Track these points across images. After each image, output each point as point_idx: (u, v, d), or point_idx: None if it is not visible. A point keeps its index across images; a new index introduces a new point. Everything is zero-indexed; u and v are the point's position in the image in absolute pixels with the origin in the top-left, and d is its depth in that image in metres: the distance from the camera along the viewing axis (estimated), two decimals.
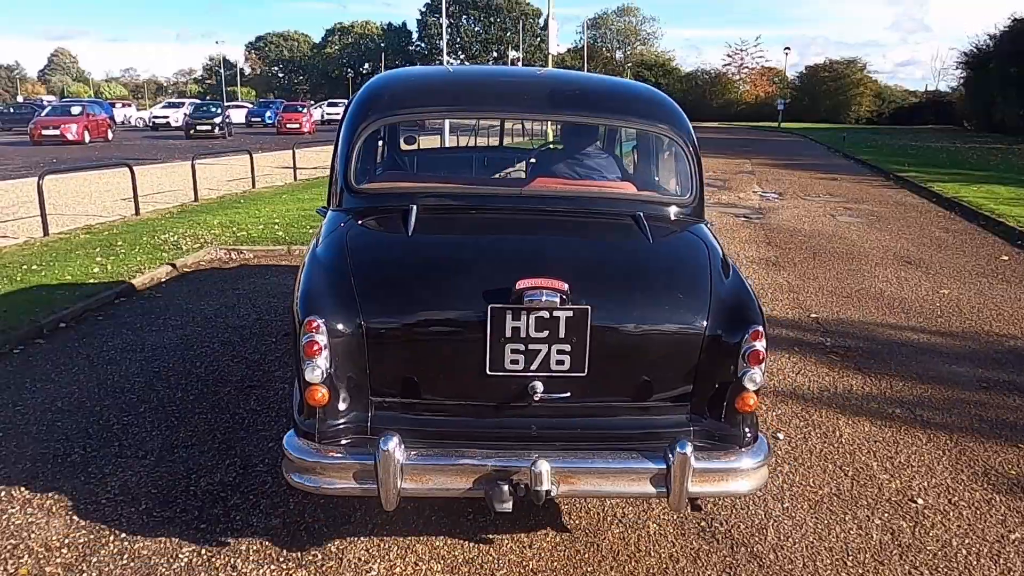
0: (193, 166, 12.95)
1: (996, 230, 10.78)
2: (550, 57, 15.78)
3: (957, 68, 57.47)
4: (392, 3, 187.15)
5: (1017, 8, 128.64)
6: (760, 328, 2.58)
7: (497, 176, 4.82)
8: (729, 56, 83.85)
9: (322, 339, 2.40)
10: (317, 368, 2.40)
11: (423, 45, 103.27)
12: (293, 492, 3.10)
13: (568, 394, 2.54)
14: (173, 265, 7.50)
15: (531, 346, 2.46)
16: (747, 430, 2.65)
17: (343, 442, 2.51)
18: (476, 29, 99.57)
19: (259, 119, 48.72)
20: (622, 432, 2.63)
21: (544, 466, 2.40)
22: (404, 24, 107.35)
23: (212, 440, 3.83)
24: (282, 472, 2.66)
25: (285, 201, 12.13)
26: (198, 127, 33.37)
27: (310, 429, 2.50)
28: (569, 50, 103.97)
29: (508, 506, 2.44)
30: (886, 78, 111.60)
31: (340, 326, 2.44)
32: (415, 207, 2.89)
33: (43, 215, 9.07)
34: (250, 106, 55.06)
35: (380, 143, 4.10)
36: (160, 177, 16.50)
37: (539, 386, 2.50)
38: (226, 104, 61.07)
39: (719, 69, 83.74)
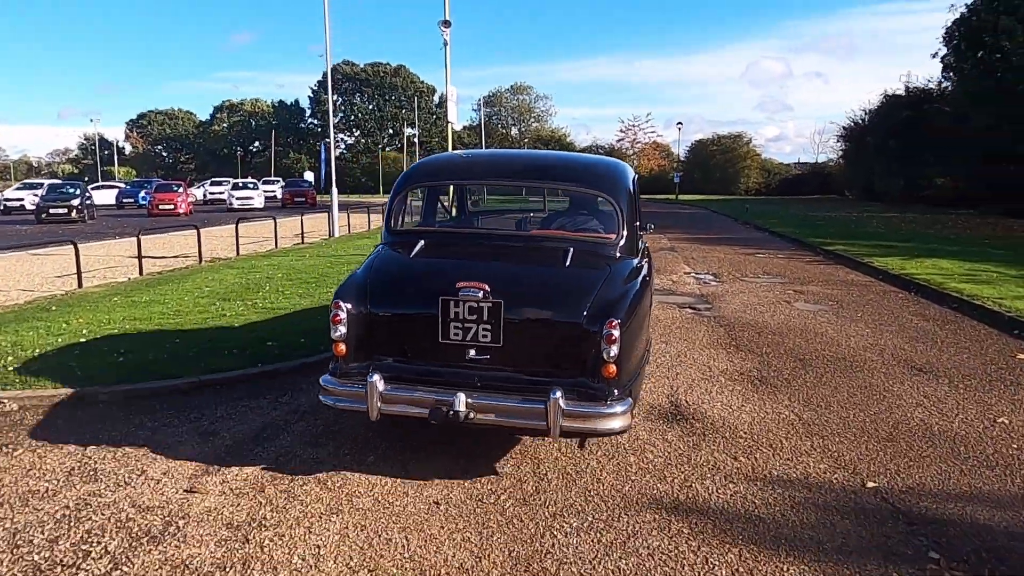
0: None
1: (980, 316, 9.25)
2: (450, 127, 13.78)
3: (837, 141, 60.22)
4: (285, 84, 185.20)
5: (866, 89, 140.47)
6: (616, 320, 3.94)
7: (478, 225, 6.65)
8: (622, 131, 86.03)
9: (343, 315, 4.23)
10: (339, 331, 4.24)
11: (315, 122, 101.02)
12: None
13: (488, 356, 4.13)
14: None
15: (466, 324, 4.09)
16: (614, 389, 3.97)
17: (352, 379, 4.23)
18: (370, 107, 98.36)
19: (132, 200, 44.70)
20: (521, 383, 4.08)
21: (462, 399, 3.94)
22: (296, 102, 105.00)
23: None
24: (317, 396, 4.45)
25: (113, 307, 9.29)
26: (51, 210, 29.42)
27: (334, 371, 4.33)
28: (466, 127, 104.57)
29: (440, 421, 3.95)
30: (760, 152, 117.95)
31: (354, 309, 4.27)
32: (422, 241, 4.82)
33: None
34: (123, 186, 50.70)
35: (414, 202, 5.73)
36: None
37: (471, 351, 4.13)
38: (98, 184, 56.57)
39: (613, 144, 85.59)
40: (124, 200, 45.35)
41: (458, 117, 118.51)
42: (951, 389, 6.17)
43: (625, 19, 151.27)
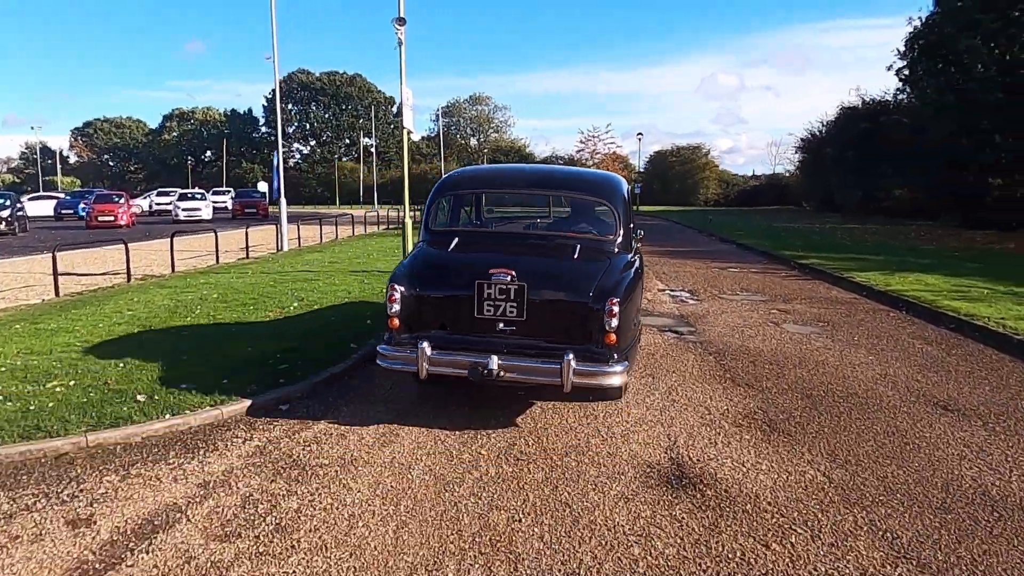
0: None
1: (984, 339, 8.48)
2: (406, 134, 12.69)
3: (795, 153, 60.59)
4: (242, 93, 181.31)
5: (816, 103, 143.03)
6: (615, 299, 4.99)
7: (510, 225, 7.93)
8: (582, 142, 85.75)
9: (396, 296, 5.25)
10: (394, 308, 5.27)
11: (269, 131, 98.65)
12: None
13: (514, 328, 5.14)
14: None
15: (496, 302, 5.11)
16: (614, 354, 5.00)
17: (404, 347, 5.24)
18: (326, 116, 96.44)
19: (71, 211, 42.40)
20: (541, 348, 5.08)
21: (495, 360, 4.92)
22: (250, 110, 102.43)
23: None
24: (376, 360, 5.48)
25: (11, 336, 7.95)
26: None
27: (389, 340, 5.34)
28: (424, 138, 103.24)
29: (477, 378, 4.96)
30: (718, 164, 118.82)
31: (406, 292, 5.28)
32: (456, 238, 5.89)
33: None
34: (62, 196, 48.25)
35: (449, 207, 6.84)
36: None
37: (500, 324, 5.14)
38: (35, 195, 53.83)
39: (572, 154, 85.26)
40: (63, 212, 42.97)
41: (415, 124, 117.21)
42: (989, 434, 5.29)
43: (584, 32, 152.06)
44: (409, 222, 13.82)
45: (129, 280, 13.13)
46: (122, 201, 35.21)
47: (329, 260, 16.49)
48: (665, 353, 7.82)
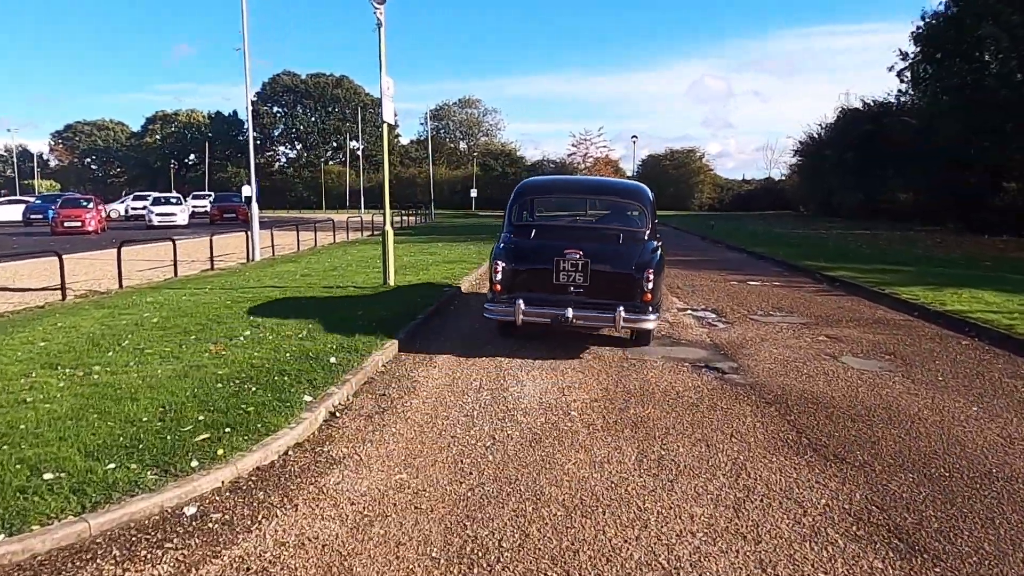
0: None
1: None
2: (385, 128, 10.95)
3: (793, 156, 59.18)
4: (231, 97, 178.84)
5: (803, 107, 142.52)
6: (651, 270, 7.52)
7: (568, 220, 9.81)
8: (574, 146, 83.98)
9: (499, 269, 7.71)
10: (498, 277, 7.69)
11: (255, 134, 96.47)
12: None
13: (581, 290, 7.55)
14: None
15: (568, 273, 7.55)
16: (649, 308, 7.53)
17: (504, 303, 7.64)
18: (313, 119, 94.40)
19: (41, 216, 40.25)
20: (600, 304, 7.46)
21: (570, 312, 7.35)
22: (235, 113, 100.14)
23: None
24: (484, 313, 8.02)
25: None
26: None
27: (493, 299, 7.81)
28: (413, 142, 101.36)
29: (556, 323, 7.46)
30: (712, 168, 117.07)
31: (505, 266, 7.69)
32: (534, 228, 8.31)
33: None
34: (31, 200, 46.09)
35: (522, 208, 8.96)
36: None
37: (571, 288, 7.54)
38: (7, 198, 51.68)
39: (564, 158, 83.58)
40: (32, 216, 40.85)
41: (408, 129, 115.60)
42: None
43: (574, 37, 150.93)
44: (390, 231, 12.08)
45: (64, 298, 11.29)
46: (91, 206, 33.22)
47: (302, 273, 14.68)
48: (712, 403, 6.10)
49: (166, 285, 13.09)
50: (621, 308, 7.36)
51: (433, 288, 12.12)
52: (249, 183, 19.45)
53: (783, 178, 74.34)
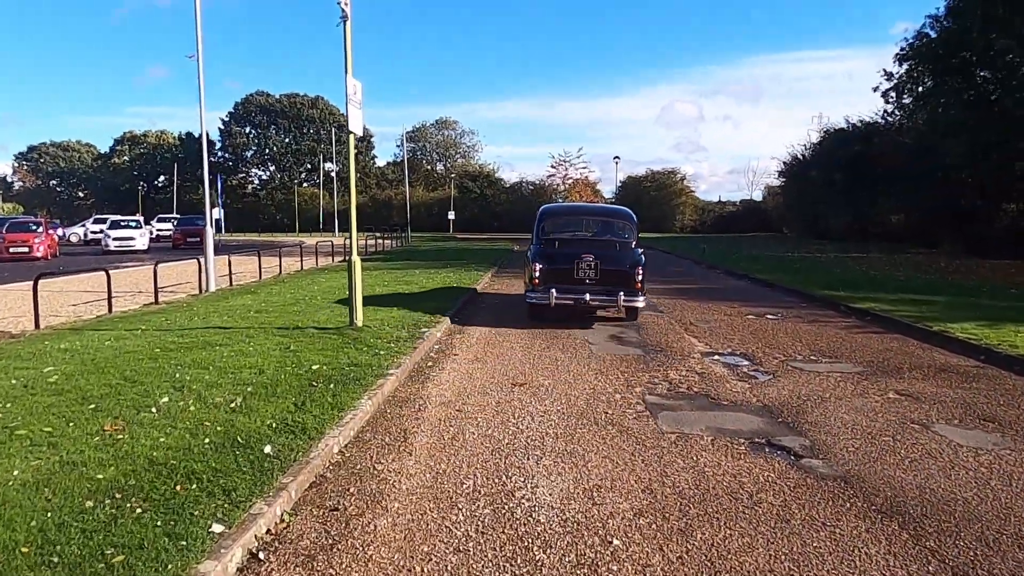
0: None
1: None
2: (351, 139, 9.09)
3: (779, 177, 58.17)
4: (209, 120, 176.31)
5: (772, 131, 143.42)
6: (640, 267, 11.20)
7: (573, 233, 12.66)
8: (553, 167, 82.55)
9: (536, 268, 11.26)
10: (537, 274, 11.22)
11: (227, 155, 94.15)
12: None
13: (594, 282, 11.14)
14: None
15: (584, 271, 11.13)
16: (639, 292, 11.12)
17: (540, 292, 11.14)
18: (286, 140, 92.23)
19: None
20: (607, 291, 11.05)
21: (587, 296, 11.00)
22: (206, 133, 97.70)
23: None
24: (524, 299, 11.87)
25: None
26: None
27: (532, 288, 11.35)
28: (389, 163, 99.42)
29: (578, 304, 11.11)
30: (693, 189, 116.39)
31: (541, 267, 11.26)
32: (557, 240, 11.92)
33: None
34: None
35: (544, 224, 12.31)
36: None
37: (586, 280, 11.13)
38: None
39: (544, 179, 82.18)
40: None
41: (378, 153, 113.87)
42: None
43: (544, 62, 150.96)
44: (358, 260, 10.20)
45: None
46: (39, 230, 30.90)
47: (257, 308, 12.72)
48: (807, 515, 4.28)
49: (94, 325, 11.06)
50: (621, 293, 10.91)
51: (410, 328, 10.26)
52: (206, 205, 17.45)
53: (762, 199, 73.56)
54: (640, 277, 11.04)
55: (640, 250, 11.84)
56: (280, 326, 10.40)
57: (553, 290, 10.86)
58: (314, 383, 6.83)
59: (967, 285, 17.51)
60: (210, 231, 17.25)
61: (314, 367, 7.51)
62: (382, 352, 8.39)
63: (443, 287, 16.53)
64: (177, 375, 7.18)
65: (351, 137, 9.70)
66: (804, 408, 6.68)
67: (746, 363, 8.77)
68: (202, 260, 16.76)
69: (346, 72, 9.42)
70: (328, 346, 8.76)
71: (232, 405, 6.03)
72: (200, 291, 16.09)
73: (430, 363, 8.61)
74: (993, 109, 24.47)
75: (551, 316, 11.57)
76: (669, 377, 7.94)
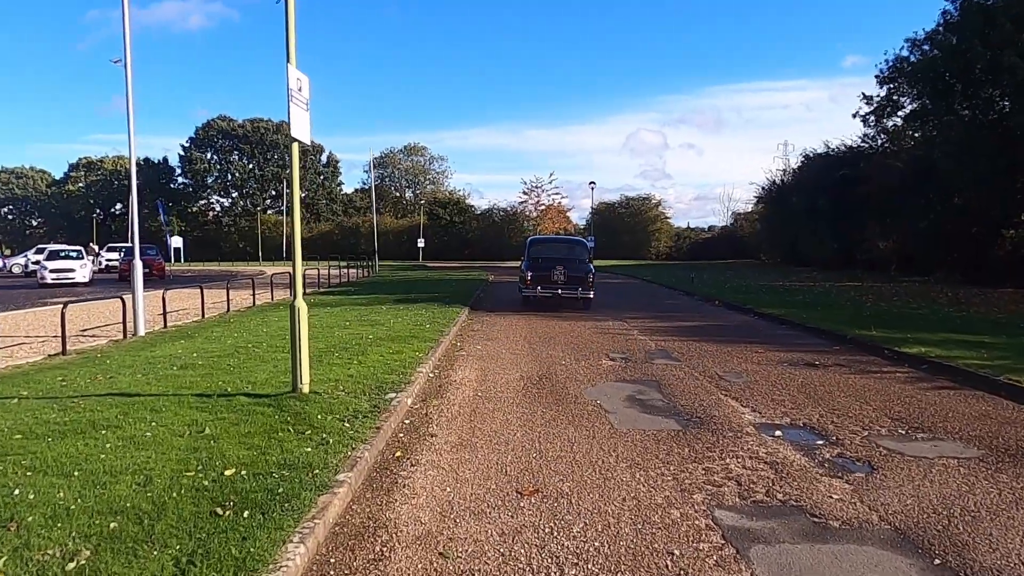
0: None
1: None
2: (295, 148, 6.76)
3: (758, 203, 56.95)
4: (170, 148, 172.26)
5: (736, 159, 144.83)
6: (591, 274, 19.59)
7: (554, 255, 20.83)
8: (525, 193, 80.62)
9: (528, 275, 19.66)
10: (528, 277, 19.62)
11: (187, 181, 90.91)
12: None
13: (563, 282, 19.35)
14: None
15: (557, 276, 19.39)
16: (590, 288, 19.42)
17: (529, 288, 19.65)
18: (250, 166, 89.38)
19: None
20: (572, 287, 19.31)
21: (560, 291, 19.33)
22: (165, 159, 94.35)
23: None
24: (518, 293, 21.02)
25: None
26: None
27: (524, 284, 20.01)
28: (357, 191, 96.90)
29: (554, 296, 19.44)
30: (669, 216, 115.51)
31: (531, 274, 19.64)
32: (540, 258, 20.38)
33: None
34: None
35: (531, 249, 21.22)
36: None
37: (558, 282, 19.34)
38: None
39: (515, 206, 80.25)
40: None
41: (344, 179, 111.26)
42: None
43: (509, 90, 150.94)
44: (303, 306, 7.85)
45: None
46: None
47: (185, 360, 10.28)
48: None
49: None
50: (579, 288, 18.89)
51: (371, 393, 7.92)
52: (133, 232, 14.98)
53: (738, 226, 72.40)
54: (591, 279, 19.09)
55: (592, 265, 20.21)
56: (202, 392, 7.98)
57: (538, 287, 19.10)
58: (221, 507, 4.48)
59: (1001, 320, 15.68)
60: (138, 264, 14.80)
61: (227, 472, 5.14)
62: (331, 439, 6.04)
63: (412, 334, 14.20)
64: (16, 491, 4.77)
65: (295, 145, 7.40)
66: (955, 533, 4.50)
67: (820, 442, 6.59)
68: (131, 299, 14.24)
69: (288, 61, 7.18)
70: (258, 428, 6.37)
71: (67, 569, 3.65)
72: (124, 335, 13.55)
73: (398, 451, 6.26)
74: (997, 129, 23.03)
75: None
76: (731, 470, 5.73)
